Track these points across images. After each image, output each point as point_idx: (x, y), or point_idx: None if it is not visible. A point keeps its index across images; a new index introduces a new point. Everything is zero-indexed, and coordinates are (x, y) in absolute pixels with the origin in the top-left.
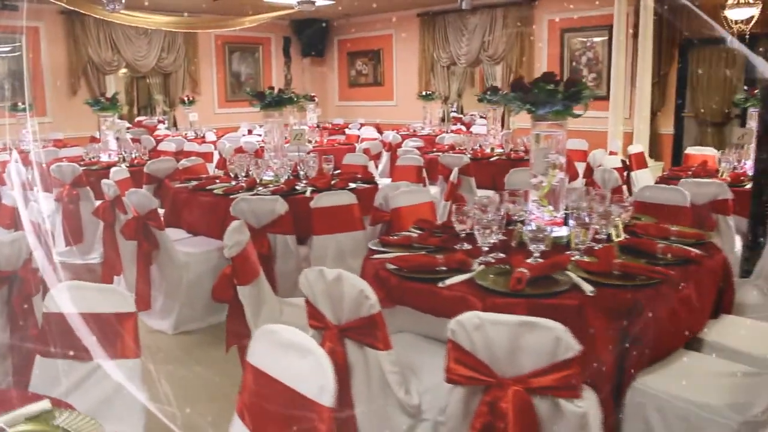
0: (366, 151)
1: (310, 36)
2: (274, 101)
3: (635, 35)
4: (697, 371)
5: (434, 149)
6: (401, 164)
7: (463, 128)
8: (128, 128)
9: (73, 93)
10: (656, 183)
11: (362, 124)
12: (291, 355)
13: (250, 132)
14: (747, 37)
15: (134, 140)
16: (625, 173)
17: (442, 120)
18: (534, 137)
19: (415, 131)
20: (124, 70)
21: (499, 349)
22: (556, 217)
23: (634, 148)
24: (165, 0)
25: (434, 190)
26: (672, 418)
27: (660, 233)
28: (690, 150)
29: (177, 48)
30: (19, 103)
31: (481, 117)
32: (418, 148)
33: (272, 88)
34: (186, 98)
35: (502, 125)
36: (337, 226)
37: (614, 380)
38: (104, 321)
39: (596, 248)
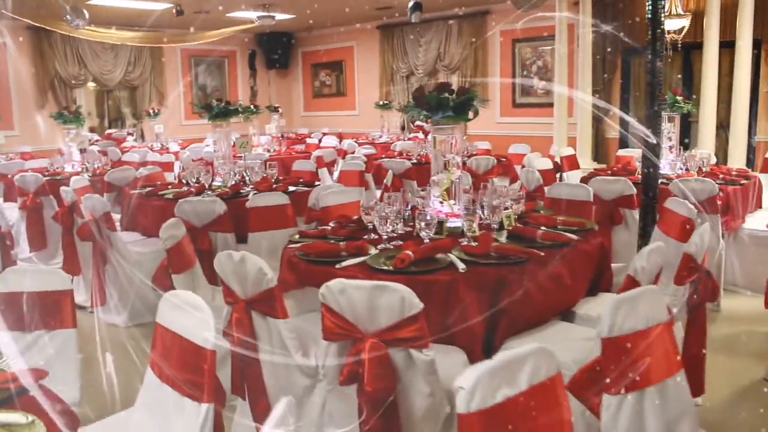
0: (319, 159)
1: (274, 48)
2: (220, 112)
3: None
4: (558, 336)
5: (384, 156)
6: (345, 169)
7: (421, 135)
8: (97, 140)
9: (40, 107)
10: (580, 181)
11: (324, 134)
12: (185, 312)
13: (215, 143)
14: (679, 45)
15: (101, 152)
16: (558, 174)
17: (403, 128)
18: (432, 140)
19: (373, 140)
20: (92, 84)
21: (360, 308)
22: (455, 210)
23: (565, 151)
24: (130, 15)
25: (379, 193)
26: None
27: (548, 222)
28: (620, 152)
29: (143, 62)
30: None
31: None
32: (371, 155)
33: (228, 102)
34: (151, 111)
35: None
36: (270, 224)
37: (484, 344)
38: (45, 297)
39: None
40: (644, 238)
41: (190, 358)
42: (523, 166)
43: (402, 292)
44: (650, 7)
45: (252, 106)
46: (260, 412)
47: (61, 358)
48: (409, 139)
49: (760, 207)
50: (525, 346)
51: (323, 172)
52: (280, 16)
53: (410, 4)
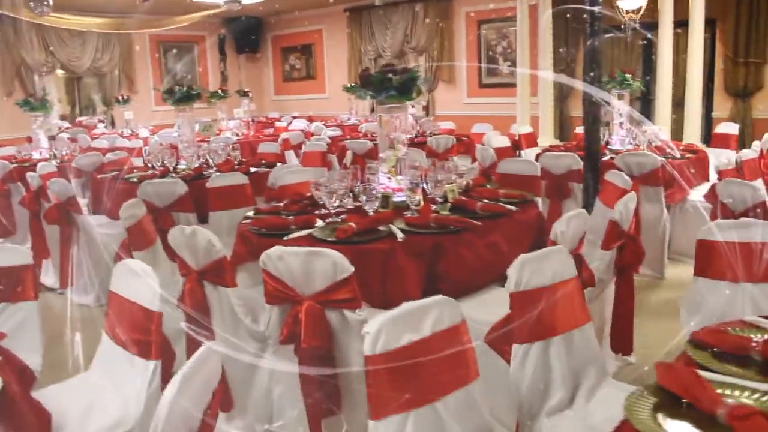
0: (286, 141)
1: (243, 33)
2: (183, 97)
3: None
4: (494, 299)
5: (349, 137)
6: (307, 150)
7: None
8: (67, 128)
9: (7, 94)
10: (534, 158)
11: (294, 117)
12: (134, 279)
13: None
14: (637, 25)
15: (71, 139)
16: (516, 152)
17: (372, 110)
18: (378, 119)
19: (341, 122)
20: (61, 72)
21: (297, 273)
22: (400, 185)
23: (523, 129)
24: (96, 1)
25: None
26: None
27: (491, 195)
28: (578, 129)
29: (111, 48)
30: None
31: (412, 106)
32: (336, 137)
33: (190, 87)
34: (121, 97)
35: (427, 113)
36: (229, 203)
37: None
38: (7, 272)
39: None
40: (587, 209)
41: (138, 320)
42: (483, 145)
43: (333, 257)
44: None
45: (219, 91)
46: None
47: (23, 329)
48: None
49: (707, 180)
50: (429, 297)
51: (290, 154)
52: (247, 0)
53: None
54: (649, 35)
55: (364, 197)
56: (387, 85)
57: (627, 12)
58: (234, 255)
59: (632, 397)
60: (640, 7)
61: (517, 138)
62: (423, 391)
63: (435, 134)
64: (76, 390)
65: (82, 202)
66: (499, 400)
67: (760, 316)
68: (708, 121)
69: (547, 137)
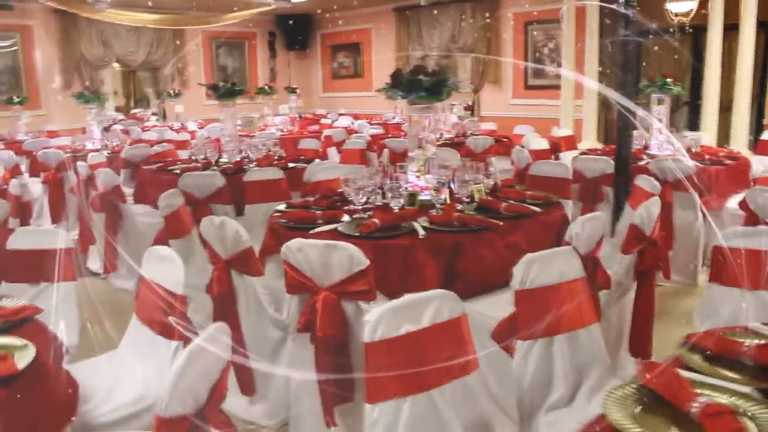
0: (328, 138)
1: (294, 30)
2: (227, 92)
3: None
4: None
5: (390, 136)
6: (347, 147)
7: None
8: (121, 120)
9: (67, 87)
10: (571, 161)
11: (341, 114)
12: (161, 264)
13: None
14: (688, 29)
15: (124, 131)
16: (555, 155)
17: None
18: (409, 119)
19: (386, 120)
20: (117, 65)
21: (315, 264)
22: (428, 184)
23: (562, 132)
24: None
25: None
26: (483, 332)
27: (517, 196)
28: None
29: (165, 43)
30: (14, 97)
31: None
32: (378, 135)
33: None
34: (172, 91)
35: (472, 113)
36: (265, 197)
37: None
38: (48, 254)
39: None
40: (617, 213)
41: (163, 303)
42: (521, 147)
43: (350, 250)
44: None
45: (267, 87)
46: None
47: (62, 307)
48: None
49: (748, 187)
50: (429, 292)
51: (332, 150)
52: None
53: None
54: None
55: (389, 194)
56: (417, 86)
57: (676, 15)
58: (263, 246)
59: (613, 392)
60: (691, 10)
61: (556, 140)
62: (419, 379)
63: (475, 134)
64: (105, 366)
65: (129, 191)
66: (508, 393)
67: (763, 323)
68: (759, 128)
69: (589, 141)
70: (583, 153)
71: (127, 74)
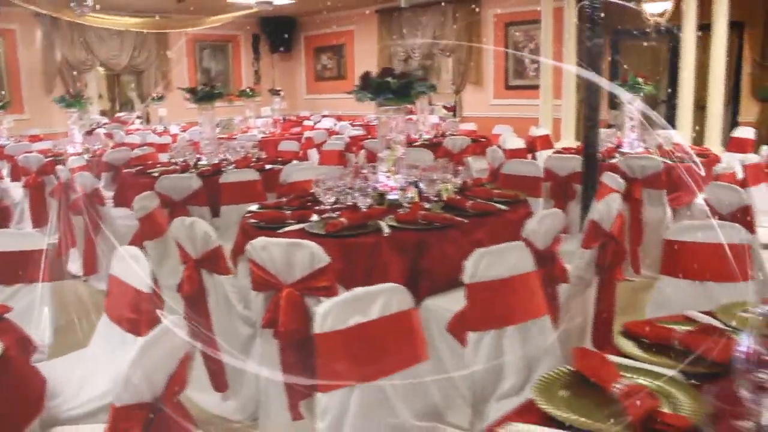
0: (309, 140)
1: (277, 32)
2: (205, 95)
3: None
4: None
5: (370, 137)
6: (326, 149)
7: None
8: (105, 123)
9: (49, 91)
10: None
11: (324, 116)
12: (128, 263)
13: (218, 126)
14: (663, 29)
15: (108, 135)
16: (532, 154)
17: None
18: (378, 120)
19: (369, 122)
20: (101, 69)
21: (278, 262)
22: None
23: (538, 131)
24: (133, 1)
25: None
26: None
27: (485, 194)
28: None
29: (148, 47)
30: None
31: (445, 107)
32: (359, 136)
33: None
34: (155, 95)
35: (454, 113)
36: (241, 198)
37: None
38: (21, 256)
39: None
40: (585, 210)
41: (131, 300)
42: (499, 146)
43: (311, 248)
44: None
45: (248, 90)
46: (211, 357)
47: (35, 307)
48: (404, 120)
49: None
50: (378, 285)
51: (312, 152)
52: (279, 1)
53: None
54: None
55: (356, 193)
56: (385, 88)
57: (652, 15)
58: (235, 246)
59: (543, 377)
60: (665, 11)
61: (533, 140)
62: (369, 369)
63: (453, 135)
64: (75, 363)
65: (109, 195)
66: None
67: (702, 312)
68: (734, 126)
69: (568, 140)
70: (557, 152)
71: (112, 78)
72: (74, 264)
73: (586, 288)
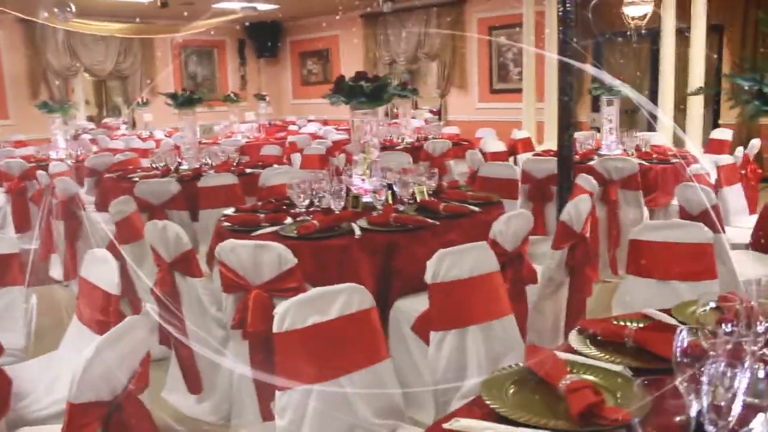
0: (292, 144)
1: (263, 38)
2: (185, 101)
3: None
4: None
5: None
6: (307, 153)
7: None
8: (91, 129)
9: (34, 96)
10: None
11: (310, 121)
12: (98, 266)
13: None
14: (643, 32)
15: (92, 140)
16: (512, 157)
17: (386, 114)
18: (351, 123)
19: None
20: (87, 75)
21: (246, 264)
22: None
23: (519, 134)
24: (117, 7)
25: None
26: None
27: (459, 197)
28: (576, 134)
29: (134, 52)
30: None
31: (430, 111)
32: (342, 141)
33: (191, 92)
34: (140, 100)
35: (439, 117)
36: (219, 202)
37: (378, 301)
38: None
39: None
40: (560, 211)
41: (100, 302)
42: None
43: (278, 249)
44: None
45: (232, 95)
46: (184, 359)
47: (9, 310)
48: (389, 124)
49: None
50: (338, 285)
51: (295, 156)
52: (263, 7)
53: None
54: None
55: (332, 197)
56: (358, 91)
57: (633, 18)
58: (210, 249)
59: (494, 373)
60: (646, 14)
61: (514, 143)
62: (327, 368)
63: (435, 138)
64: (46, 365)
65: (91, 199)
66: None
67: (660, 310)
68: (715, 128)
69: (551, 142)
70: (536, 154)
71: (99, 83)
72: (56, 269)
73: (557, 288)
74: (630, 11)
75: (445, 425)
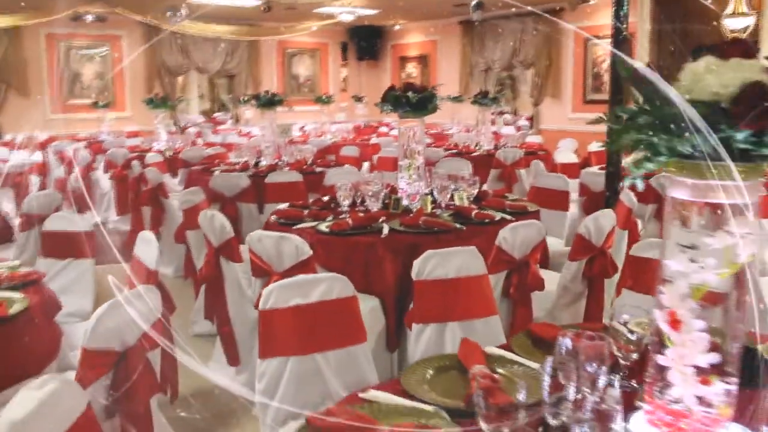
0: (375, 146)
1: (365, 41)
2: (266, 102)
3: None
4: None
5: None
6: (381, 155)
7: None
8: (200, 123)
9: (149, 91)
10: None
11: None
12: (144, 245)
13: (302, 128)
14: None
15: (197, 134)
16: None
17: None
18: (398, 131)
19: (443, 131)
20: (197, 73)
21: (271, 252)
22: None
23: (593, 147)
24: (226, 11)
25: None
26: None
27: (497, 204)
28: None
29: (240, 52)
30: (99, 101)
31: (526, 119)
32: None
33: (273, 93)
34: (242, 97)
35: (531, 125)
36: (283, 197)
37: (397, 295)
38: (73, 236)
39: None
40: None
41: (143, 275)
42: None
43: (296, 241)
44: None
45: (324, 96)
46: (224, 335)
47: (80, 279)
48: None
49: None
50: (321, 274)
51: (375, 157)
52: (364, 12)
53: (473, 2)
54: None
55: (371, 199)
56: (403, 101)
57: (733, 32)
58: None
59: (421, 361)
60: (748, 26)
61: (588, 155)
62: (304, 343)
63: (507, 147)
64: None
65: (180, 189)
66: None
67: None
68: None
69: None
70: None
71: (212, 81)
72: None
73: (576, 299)
74: (731, 23)
75: (360, 395)
